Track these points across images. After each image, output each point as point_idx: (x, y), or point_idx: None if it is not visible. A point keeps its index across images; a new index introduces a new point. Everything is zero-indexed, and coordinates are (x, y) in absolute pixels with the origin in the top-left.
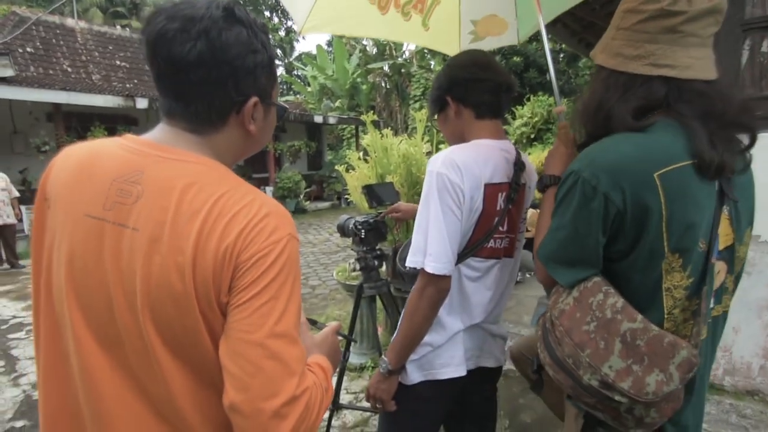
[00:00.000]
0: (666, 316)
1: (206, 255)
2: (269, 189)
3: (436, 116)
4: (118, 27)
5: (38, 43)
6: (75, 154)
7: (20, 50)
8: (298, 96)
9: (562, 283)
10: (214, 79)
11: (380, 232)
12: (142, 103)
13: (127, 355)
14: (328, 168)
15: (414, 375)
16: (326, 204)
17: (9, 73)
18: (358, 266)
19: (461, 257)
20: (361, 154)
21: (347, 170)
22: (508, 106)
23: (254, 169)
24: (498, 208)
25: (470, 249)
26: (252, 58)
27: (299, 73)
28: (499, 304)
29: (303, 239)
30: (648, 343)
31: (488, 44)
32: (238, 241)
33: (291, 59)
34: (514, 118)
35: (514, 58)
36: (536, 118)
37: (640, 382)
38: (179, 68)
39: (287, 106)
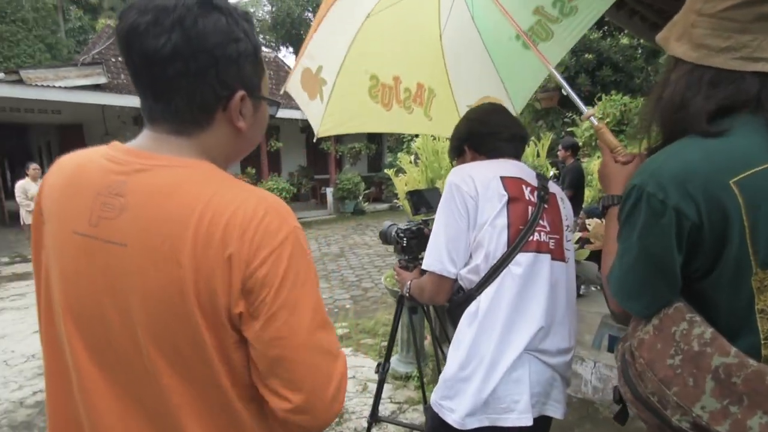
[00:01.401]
0: (763, 342)
1: (207, 264)
2: (329, 190)
3: (454, 161)
4: None
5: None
6: (65, 167)
7: (113, 59)
8: None
9: (639, 315)
10: (194, 71)
11: (423, 240)
12: None
13: (124, 374)
14: (388, 170)
15: (469, 420)
16: (385, 206)
17: (102, 80)
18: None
19: (508, 255)
20: (412, 157)
21: (397, 174)
22: (522, 152)
23: (316, 170)
24: (527, 198)
25: (516, 244)
26: (234, 47)
27: None
28: (560, 322)
29: (360, 240)
30: (746, 381)
31: None
32: (243, 247)
33: None
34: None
35: (586, 56)
36: (608, 119)
37: (741, 425)
38: (155, 63)
39: (279, 101)
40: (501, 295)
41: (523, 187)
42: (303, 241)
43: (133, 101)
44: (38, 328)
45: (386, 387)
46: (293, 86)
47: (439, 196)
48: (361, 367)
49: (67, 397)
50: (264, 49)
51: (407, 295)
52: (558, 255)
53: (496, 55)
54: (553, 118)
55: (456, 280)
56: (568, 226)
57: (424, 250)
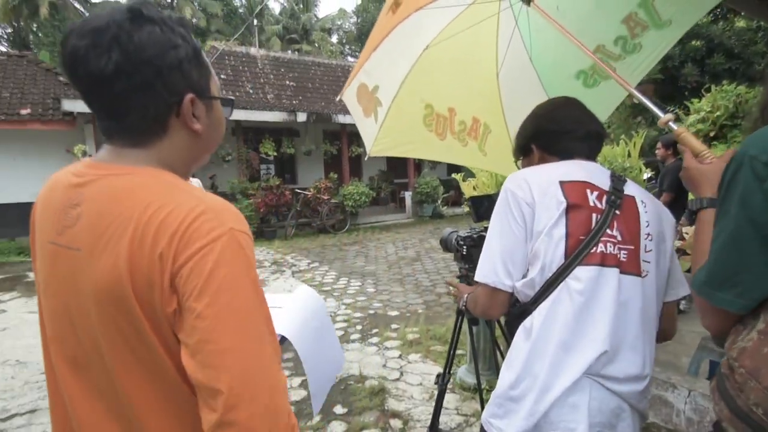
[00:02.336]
0: None
1: (143, 263)
2: (408, 194)
3: (519, 160)
4: (289, 51)
5: (229, 71)
6: (48, 184)
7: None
8: None
9: (733, 308)
10: (140, 84)
11: None
12: (301, 117)
13: (94, 375)
14: (467, 173)
15: None
16: (463, 209)
17: None
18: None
19: (565, 269)
20: None
21: (464, 179)
22: (598, 151)
23: (396, 174)
24: (592, 204)
25: (575, 255)
26: (174, 54)
27: None
28: (631, 345)
29: (436, 245)
30: None
31: None
32: (171, 244)
33: None
34: (687, 113)
35: (693, 43)
36: (719, 112)
37: None
38: (101, 83)
39: (232, 98)
40: (556, 312)
41: (588, 192)
42: (242, 245)
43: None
44: None
45: (454, 398)
46: (349, 97)
47: None
48: (428, 374)
49: (62, 408)
50: (349, 59)
51: (463, 308)
52: (631, 268)
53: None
54: (652, 113)
55: (512, 294)
56: (649, 235)
57: None
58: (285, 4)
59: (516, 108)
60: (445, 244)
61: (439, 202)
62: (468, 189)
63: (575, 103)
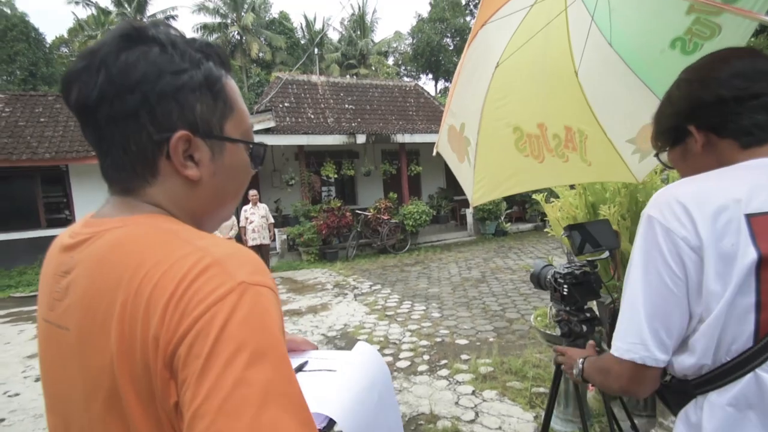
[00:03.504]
0: None
1: (134, 348)
2: (469, 211)
3: (666, 149)
4: (348, 76)
5: (292, 98)
6: (52, 244)
7: (280, 105)
8: None
9: None
10: (122, 113)
11: (590, 288)
12: (361, 139)
13: None
14: (550, 193)
15: None
16: (528, 226)
17: (271, 124)
18: (558, 330)
19: (756, 355)
20: None
21: (548, 199)
22: None
23: (456, 191)
24: None
25: (763, 342)
26: (170, 80)
27: None
28: None
29: (502, 264)
30: None
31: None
32: (165, 318)
33: None
34: None
35: None
36: None
37: None
38: (87, 112)
39: (263, 143)
40: (742, 418)
41: None
42: (259, 303)
43: (293, 140)
44: None
45: None
46: (443, 147)
47: (611, 232)
48: (508, 416)
49: None
50: (405, 79)
51: (579, 380)
52: None
53: (650, 76)
54: None
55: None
56: None
57: (590, 298)
58: (344, 33)
59: (605, 103)
60: (538, 281)
61: (502, 218)
62: (551, 211)
63: (755, 54)
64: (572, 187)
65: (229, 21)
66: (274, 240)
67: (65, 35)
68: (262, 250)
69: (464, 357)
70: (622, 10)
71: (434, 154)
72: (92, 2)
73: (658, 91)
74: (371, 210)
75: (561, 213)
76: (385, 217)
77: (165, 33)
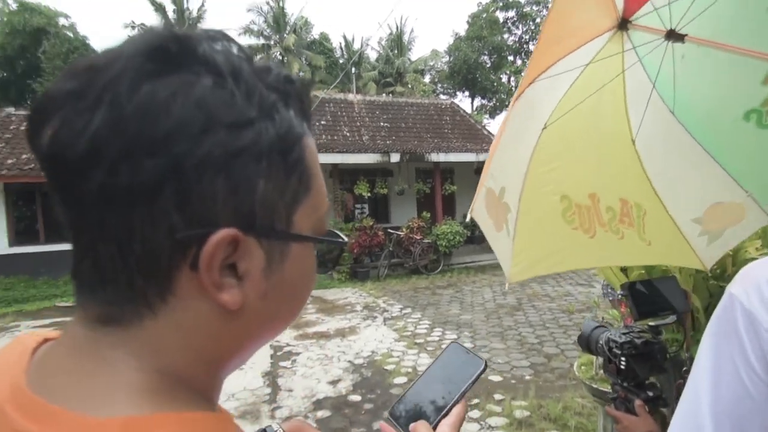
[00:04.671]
0: None
1: None
2: None
3: None
4: (384, 94)
5: (328, 116)
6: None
7: (316, 123)
8: None
9: None
10: (125, 186)
11: (654, 361)
12: (395, 158)
13: None
14: None
15: None
16: None
17: None
18: (613, 405)
19: None
20: None
21: None
22: None
23: None
24: None
25: None
26: (225, 138)
27: None
28: None
29: (539, 290)
30: None
31: (730, 239)
32: None
33: None
34: None
35: None
36: None
37: None
38: (67, 172)
39: (343, 238)
40: None
41: None
42: None
43: (327, 158)
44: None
45: None
46: (479, 212)
47: (679, 292)
48: None
49: None
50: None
51: None
52: None
53: (720, 150)
54: None
55: None
56: None
57: (654, 373)
58: (381, 52)
59: (667, 177)
60: (587, 344)
61: None
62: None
63: None
64: (623, 270)
65: (272, 42)
66: None
67: None
68: None
69: (498, 397)
70: (688, 78)
71: (467, 219)
72: (146, 26)
73: (729, 168)
74: (404, 229)
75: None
76: (418, 237)
77: (225, 53)
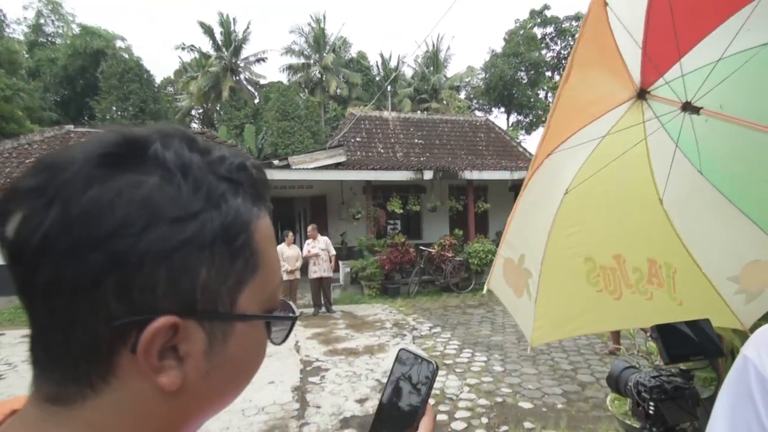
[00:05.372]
0: None
1: None
2: None
3: None
4: (419, 111)
5: (364, 134)
6: None
7: (352, 140)
8: None
9: None
10: (69, 279)
11: (685, 406)
12: (428, 175)
13: None
14: None
15: None
16: None
17: (342, 159)
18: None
19: None
20: None
21: None
22: None
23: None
24: None
25: None
26: (167, 232)
27: None
28: None
29: None
30: None
31: None
32: None
33: None
34: None
35: None
36: None
37: None
38: (21, 264)
39: (293, 312)
40: None
41: None
42: None
43: (361, 175)
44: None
45: None
46: (496, 283)
47: (711, 335)
48: None
49: None
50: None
51: None
52: None
53: (752, 208)
54: None
55: None
56: None
57: (684, 420)
58: (417, 69)
59: (699, 235)
60: (616, 385)
61: None
62: None
63: None
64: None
65: (311, 61)
66: (336, 271)
67: (172, 76)
68: (323, 283)
69: (527, 425)
70: (712, 141)
71: (485, 291)
72: (196, 48)
73: (763, 225)
74: (435, 246)
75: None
76: (450, 255)
77: (177, 151)
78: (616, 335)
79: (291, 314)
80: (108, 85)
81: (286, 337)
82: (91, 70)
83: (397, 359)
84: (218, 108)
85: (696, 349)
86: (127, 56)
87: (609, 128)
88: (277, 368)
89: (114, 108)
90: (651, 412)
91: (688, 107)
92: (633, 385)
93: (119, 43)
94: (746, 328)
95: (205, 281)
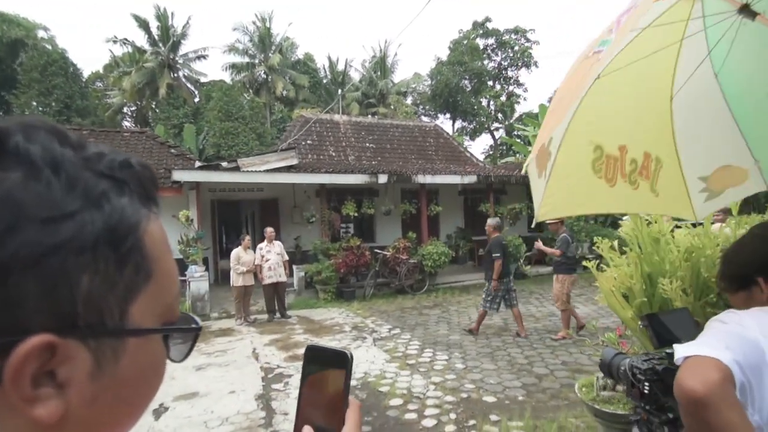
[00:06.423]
0: None
1: None
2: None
3: (729, 292)
4: (369, 116)
5: (314, 137)
6: None
7: (303, 143)
8: (518, 156)
9: None
10: None
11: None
12: (382, 179)
13: None
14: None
15: None
16: (548, 269)
17: (294, 162)
18: (636, 430)
19: None
20: (615, 242)
21: (598, 266)
22: None
23: (474, 231)
24: None
25: None
26: (35, 235)
27: (519, 134)
28: None
29: (524, 311)
30: None
31: (727, 198)
32: None
33: (511, 121)
34: None
35: None
36: None
37: None
38: None
39: (196, 324)
40: None
41: None
42: None
43: (315, 179)
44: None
45: None
46: (530, 163)
47: (690, 323)
48: None
49: None
50: (423, 118)
51: None
52: None
53: (745, 118)
54: None
55: None
56: None
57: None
58: (364, 73)
59: (690, 135)
60: (609, 371)
61: (522, 261)
62: (605, 282)
63: None
64: (623, 251)
65: (256, 61)
66: (290, 276)
67: (101, 71)
68: (278, 288)
69: (494, 417)
70: (742, 47)
71: (523, 172)
72: (129, 41)
73: (747, 135)
74: (390, 249)
75: (616, 285)
76: (404, 257)
77: (45, 144)
78: (567, 320)
79: (194, 326)
80: (28, 78)
81: (188, 352)
82: (8, 62)
83: (306, 358)
84: (154, 106)
85: (679, 334)
86: (50, 47)
87: (653, 19)
88: (236, 377)
89: (35, 103)
90: (645, 391)
91: (746, 10)
92: (628, 368)
93: (41, 33)
94: (697, 219)
95: (87, 291)
